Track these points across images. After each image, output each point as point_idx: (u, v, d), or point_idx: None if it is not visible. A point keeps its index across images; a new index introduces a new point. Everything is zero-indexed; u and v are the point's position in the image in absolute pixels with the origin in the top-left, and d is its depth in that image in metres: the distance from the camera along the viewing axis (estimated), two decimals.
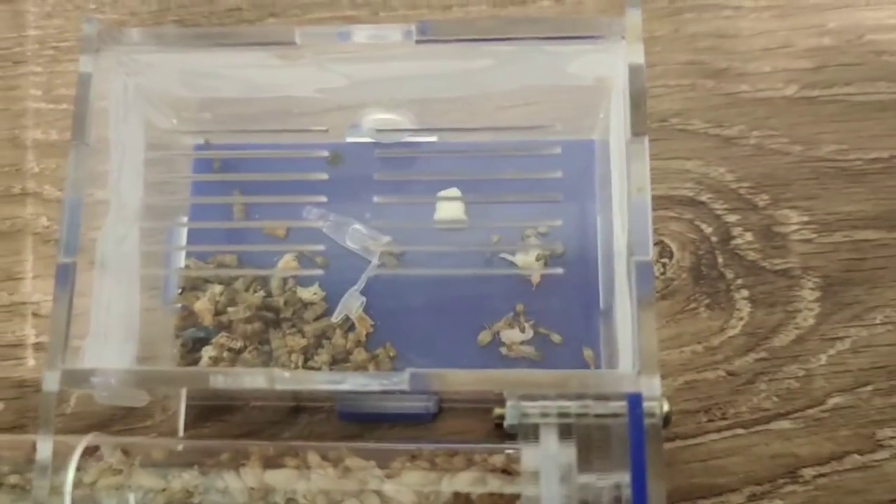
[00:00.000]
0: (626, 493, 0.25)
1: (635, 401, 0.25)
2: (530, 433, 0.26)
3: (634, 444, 0.25)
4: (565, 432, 0.26)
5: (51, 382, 0.28)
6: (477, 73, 0.31)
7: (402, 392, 0.26)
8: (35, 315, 0.37)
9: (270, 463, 0.28)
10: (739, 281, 0.36)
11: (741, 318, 0.35)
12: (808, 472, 0.34)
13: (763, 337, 0.35)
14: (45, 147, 0.39)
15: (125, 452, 0.29)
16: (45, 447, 0.27)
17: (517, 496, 0.27)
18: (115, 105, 0.31)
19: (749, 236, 0.36)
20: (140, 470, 0.29)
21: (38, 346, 0.37)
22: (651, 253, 0.26)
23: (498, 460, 0.27)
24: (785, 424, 0.34)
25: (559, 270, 0.34)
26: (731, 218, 0.36)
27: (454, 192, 0.35)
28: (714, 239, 0.36)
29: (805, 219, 0.36)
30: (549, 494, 0.26)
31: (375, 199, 0.35)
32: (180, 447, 0.29)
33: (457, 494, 0.28)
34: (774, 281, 0.35)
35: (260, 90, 0.33)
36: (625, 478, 0.25)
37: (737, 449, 0.34)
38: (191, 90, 0.33)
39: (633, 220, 0.26)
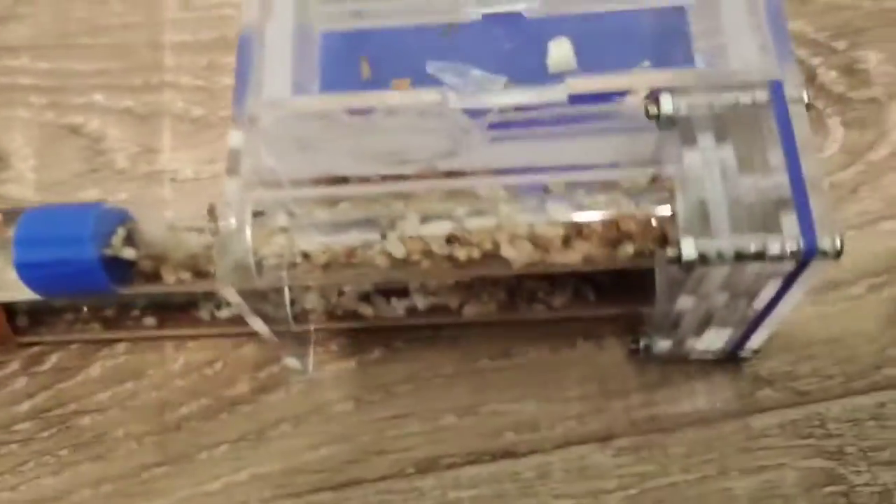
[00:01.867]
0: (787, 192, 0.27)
1: (777, 86, 0.28)
2: (681, 137, 0.28)
3: (782, 128, 0.27)
4: (720, 134, 0.28)
5: (236, 140, 0.30)
6: None
7: (559, 107, 0.28)
8: (172, 180, 0.40)
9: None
10: (829, 110, 0.38)
11: (836, 140, 0.38)
12: None
13: (860, 154, 0.38)
14: (182, 48, 0.43)
15: (289, 214, 0.31)
16: (232, 187, 0.29)
17: (671, 218, 0.29)
18: None
19: (833, 73, 0.39)
20: (302, 232, 0.31)
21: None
22: None
23: (645, 180, 0.29)
24: (892, 225, 0.36)
25: None
26: (814, 60, 0.40)
27: (564, 42, 0.39)
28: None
29: (883, 56, 0.39)
30: (714, 194, 0.27)
31: (488, 53, 0.39)
32: (344, 201, 0.31)
33: (606, 224, 0.30)
34: (862, 108, 0.38)
35: None
36: (785, 178, 0.27)
37: (848, 249, 0.36)
38: None
39: None
